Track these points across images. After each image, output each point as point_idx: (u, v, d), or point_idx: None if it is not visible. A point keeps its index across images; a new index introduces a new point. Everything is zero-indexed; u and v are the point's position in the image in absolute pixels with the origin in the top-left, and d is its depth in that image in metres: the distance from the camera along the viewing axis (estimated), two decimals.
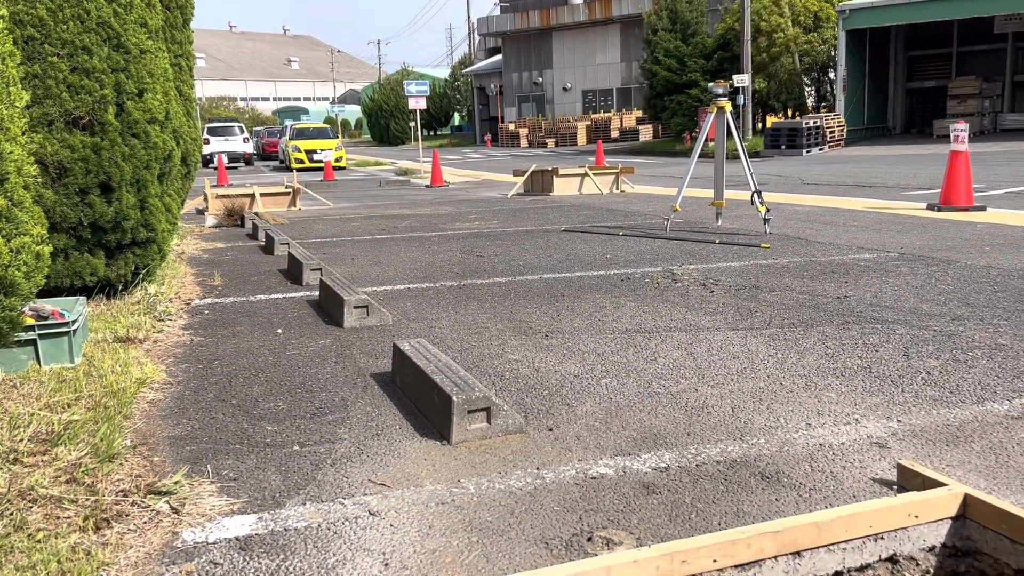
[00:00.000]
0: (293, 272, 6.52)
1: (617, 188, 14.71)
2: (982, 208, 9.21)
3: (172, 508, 2.39)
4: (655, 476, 2.59)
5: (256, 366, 3.95)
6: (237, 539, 2.23)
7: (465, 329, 4.60)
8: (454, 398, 2.88)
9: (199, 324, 4.91)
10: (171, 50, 7.74)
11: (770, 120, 29.77)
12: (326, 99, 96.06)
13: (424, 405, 3.18)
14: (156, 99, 5.32)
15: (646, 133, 36.52)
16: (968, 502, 2.21)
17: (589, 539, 2.20)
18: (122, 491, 2.47)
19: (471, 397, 2.91)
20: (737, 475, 2.57)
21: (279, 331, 4.67)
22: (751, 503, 2.39)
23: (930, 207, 9.59)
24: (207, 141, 30.76)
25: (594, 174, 14.79)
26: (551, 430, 3.01)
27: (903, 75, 30.70)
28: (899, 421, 2.97)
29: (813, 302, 4.99)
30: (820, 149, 23.87)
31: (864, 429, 2.91)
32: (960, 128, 9.13)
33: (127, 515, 2.34)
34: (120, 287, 5.30)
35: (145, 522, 2.31)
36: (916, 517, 2.19)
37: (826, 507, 2.31)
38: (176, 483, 2.53)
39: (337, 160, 27.18)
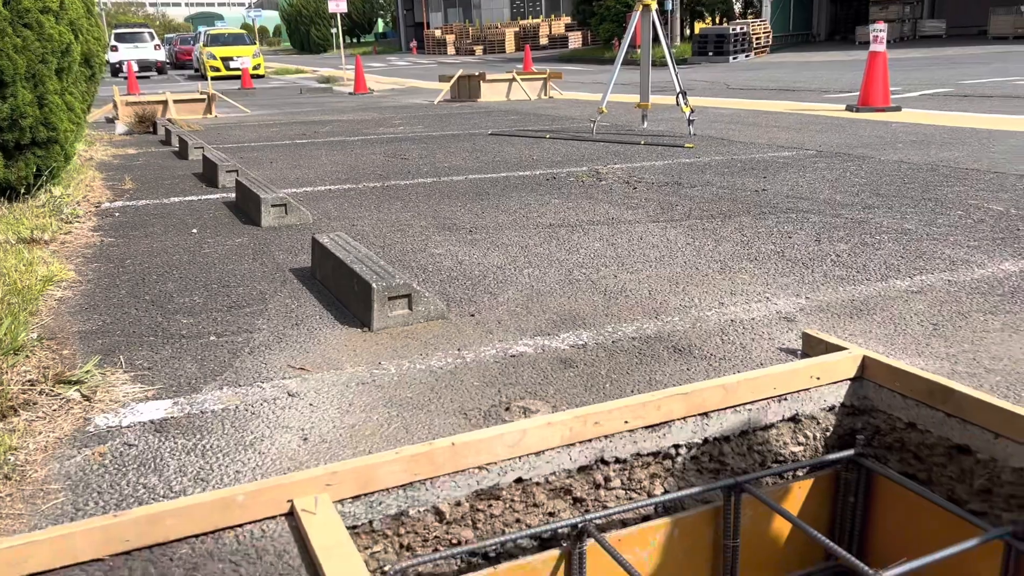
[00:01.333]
0: (208, 175, 6.30)
1: (545, 94, 14.53)
2: (898, 108, 9.44)
3: (83, 396, 2.33)
4: (573, 353, 2.64)
5: (170, 264, 3.84)
6: (152, 422, 2.20)
7: (388, 227, 4.55)
8: (374, 285, 2.86)
9: (109, 226, 4.73)
10: None
11: (698, 27, 29.61)
12: (242, 5, 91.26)
13: (344, 295, 3.16)
14: None
15: (575, 40, 35.98)
16: (866, 363, 2.33)
17: (507, 409, 2.25)
18: (29, 381, 2.39)
19: (391, 284, 2.89)
20: (651, 349, 2.64)
21: (194, 231, 4.54)
22: (664, 373, 2.46)
23: (849, 108, 9.77)
24: (114, 48, 29.06)
25: (522, 80, 14.56)
26: (473, 316, 3.03)
27: None
28: (807, 298, 3.08)
29: (732, 196, 5.08)
30: (746, 55, 23.94)
31: (774, 306, 3.01)
32: (879, 28, 9.24)
33: (35, 404, 2.28)
34: (22, 190, 5.04)
35: (55, 410, 2.26)
36: (817, 379, 2.29)
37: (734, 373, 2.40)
38: (87, 372, 2.47)
39: (255, 68, 26.08)
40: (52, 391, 2.35)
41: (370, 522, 1.84)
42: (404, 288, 2.91)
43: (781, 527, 2.29)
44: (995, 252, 3.59)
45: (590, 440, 2.05)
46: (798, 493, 2.32)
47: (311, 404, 2.30)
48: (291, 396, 2.36)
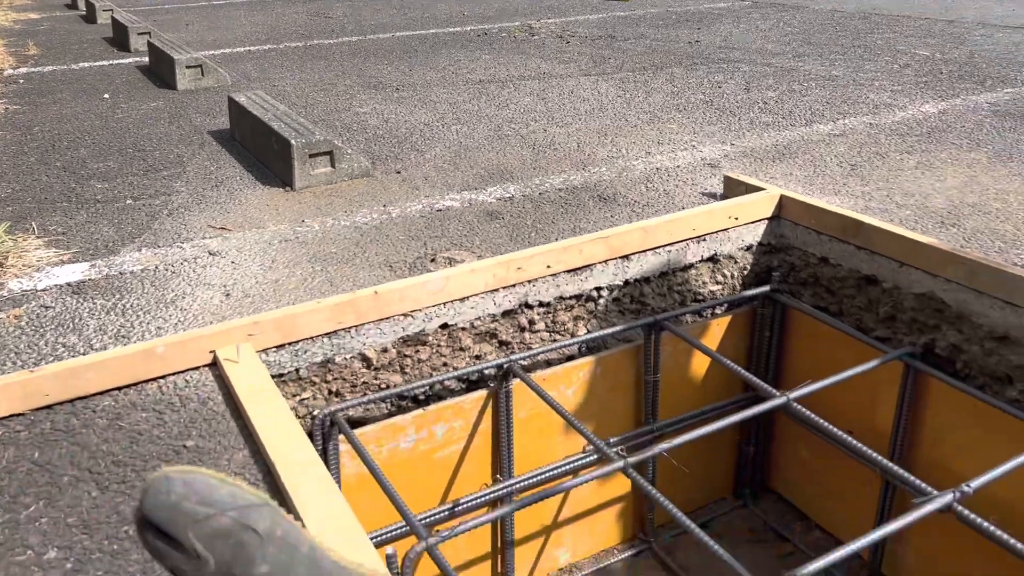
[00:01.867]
0: (119, 39, 5.93)
1: None
2: None
3: None
4: (499, 205, 2.63)
5: (82, 130, 3.66)
6: (69, 284, 2.16)
7: (311, 87, 4.38)
8: (293, 142, 2.77)
9: (14, 93, 4.45)
10: None
11: None
12: None
13: (265, 155, 3.07)
14: None
15: None
16: (783, 203, 2.38)
17: (432, 260, 2.25)
18: None
19: (311, 140, 2.81)
20: (577, 199, 2.65)
21: (106, 96, 4.31)
22: (588, 220, 2.48)
23: None
24: None
25: None
26: (399, 173, 2.99)
27: None
28: (732, 144, 3.10)
29: (665, 48, 4.99)
30: None
31: (699, 153, 3.02)
32: None
33: None
34: None
35: None
36: (736, 219, 2.34)
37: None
38: None
39: None
40: None
41: (296, 370, 1.87)
42: (325, 144, 2.83)
43: (700, 362, 2.40)
44: (917, 95, 3.64)
45: (514, 285, 2.08)
46: (716, 330, 2.41)
47: (233, 262, 2.27)
48: (212, 255, 2.32)
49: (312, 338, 1.85)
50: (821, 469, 2.43)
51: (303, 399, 1.91)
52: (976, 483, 1.56)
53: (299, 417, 1.91)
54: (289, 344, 1.83)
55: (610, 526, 2.47)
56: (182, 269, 2.24)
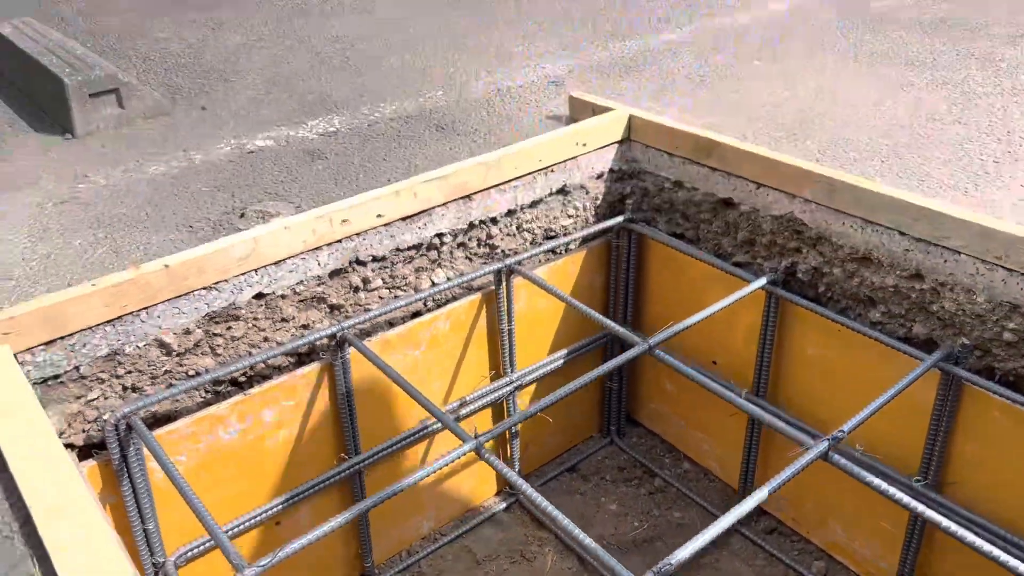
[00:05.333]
0: None
1: None
2: None
3: None
4: (322, 143, 2.31)
5: None
6: None
7: (96, 8, 3.79)
8: (67, 80, 2.32)
9: None
10: None
11: None
12: None
13: (39, 96, 2.58)
14: None
15: None
16: (633, 124, 2.19)
17: (242, 215, 1.93)
18: None
19: (91, 77, 2.37)
20: (411, 130, 2.37)
21: None
22: (424, 156, 2.21)
23: None
24: None
25: None
26: (204, 108, 2.59)
27: None
28: (578, 60, 2.87)
29: None
30: None
31: (543, 71, 2.78)
32: None
33: None
34: None
35: None
36: (584, 145, 2.13)
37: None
38: None
39: None
40: None
41: (76, 368, 1.54)
42: (108, 81, 2.39)
43: (557, 304, 2.22)
44: None
45: (340, 240, 1.80)
46: (572, 267, 2.23)
47: None
48: None
49: (91, 328, 1.52)
50: (687, 402, 2.34)
51: (91, 400, 1.58)
52: (848, 426, 1.46)
53: (88, 422, 1.59)
54: (61, 339, 1.49)
55: (473, 486, 2.30)
56: None
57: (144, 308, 1.57)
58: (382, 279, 1.92)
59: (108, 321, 1.53)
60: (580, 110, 2.32)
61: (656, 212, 2.22)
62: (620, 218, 2.20)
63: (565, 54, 2.93)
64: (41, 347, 1.48)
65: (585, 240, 2.24)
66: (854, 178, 1.77)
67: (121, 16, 3.65)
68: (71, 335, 1.51)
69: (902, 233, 1.69)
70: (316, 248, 1.76)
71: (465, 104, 2.53)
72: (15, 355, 1.44)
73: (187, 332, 1.64)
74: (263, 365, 1.77)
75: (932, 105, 2.33)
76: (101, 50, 3.13)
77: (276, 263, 1.72)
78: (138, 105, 2.46)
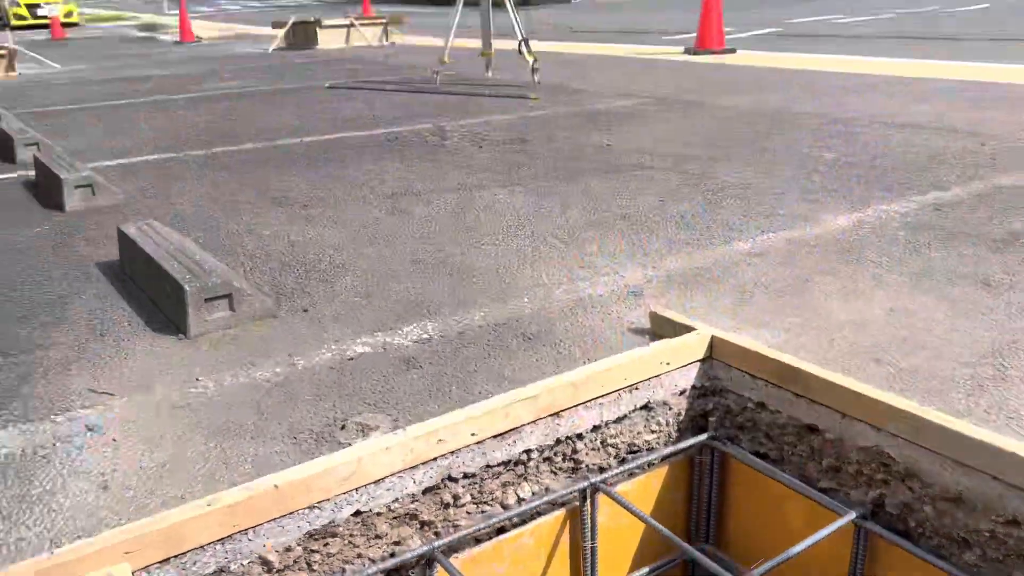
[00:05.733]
0: (3, 149, 5.58)
1: (386, 39, 13.98)
2: (732, 50, 9.66)
3: None
4: (417, 350, 2.45)
5: None
6: None
7: (212, 203, 4.15)
8: (186, 287, 2.54)
9: None
10: None
11: None
12: None
13: (158, 296, 2.81)
14: None
15: None
16: (714, 344, 2.27)
17: (343, 427, 2.04)
18: None
19: (208, 284, 2.58)
20: (500, 339, 2.49)
21: None
22: (513, 367, 2.32)
23: (687, 51, 9.92)
24: None
25: (361, 25, 13.93)
26: (306, 311, 2.78)
27: None
28: (654, 268, 3.01)
29: (578, 153, 4.98)
30: None
31: (622, 279, 2.92)
32: None
33: None
34: None
35: None
36: (667, 364, 2.22)
37: (584, 362, 2.29)
38: None
39: (67, 15, 23.73)
40: None
41: None
42: (224, 287, 2.61)
43: (639, 522, 2.23)
44: (831, 205, 3.66)
45: (435, 459, 1.88)
46: (654, 483, 2.26)
47: (114, 440, 2.00)
48: (90, 431, 2.05)
49: (203, 546, 1.60)
50: None
51: None
52: None
53: None
54: (175, 557, 1.58)
55: None
56: (55, 453, 1.96)
57: (252, 527, 1.65)
58: (471, 495, 1.98)
59: (220, 540, 1.62)
60: (662, 326, 2.42)
61: (739, 430, 2.26)
62: (703, 436, 2.24)
63: (642, 262, 3.08)
64: (156, 565, 1.56)
65: (668, 456, 2.28)
66: (941, 416, 1.80)
67: (231, 212, 3.98)
68: (184, 554, 1.59)
69: (995, 478, 1.69)
70: (413, 467, 1.84)
71: (549, 313, 2.67)
72: (132, 573, 1.52)
73: (288, 549, 1.71)
74: None
75: (1014, 334, 2.36)
76: (214, 247, 3.41)
77: (376, 482, 1.80)
78: (247, 309, 2.66)
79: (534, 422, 2.02)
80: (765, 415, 2.19)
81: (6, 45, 11.44)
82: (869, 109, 5.93)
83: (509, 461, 2.01)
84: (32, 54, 12.40)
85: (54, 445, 1.99)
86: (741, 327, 2.50)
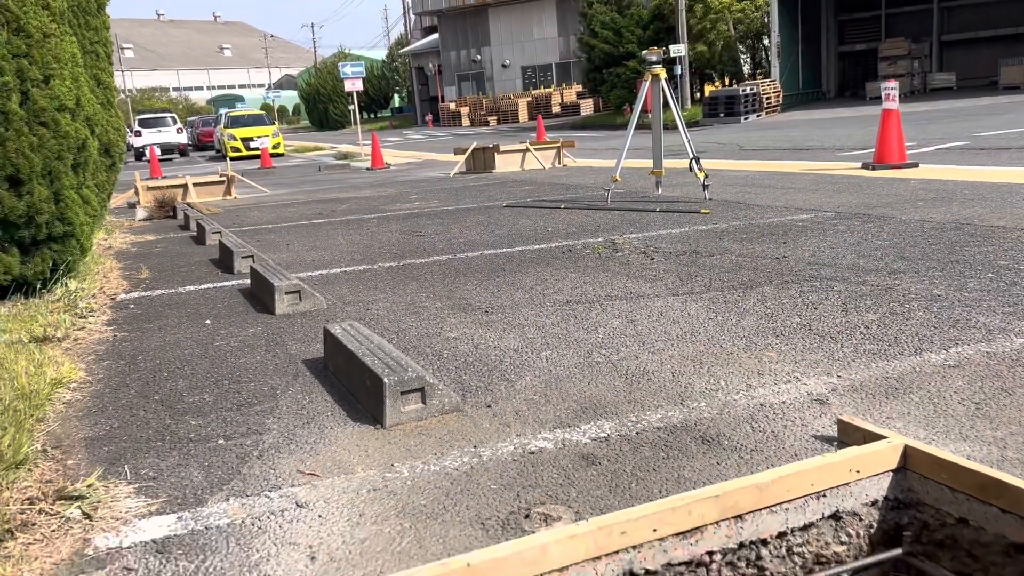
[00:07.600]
0: (224, 261, 6.30)
1: (559, 162, 14.63)
2: (915, 165, 9.35)
3: (84, 514, 2.23)
4: (595, 447, 2.51)
5: (182, 359, 3.77)
6: (154, 541, 2.09)
7: (402, 309, 4.48)
8: (385, 380, 2.76)
9: (123, 319, 4.69)
10: (85, 36, 7.40)
11: (708, 89, 29.96)
12: (262, 86, 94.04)
13: (357, 389, 3.06)
14: (64, 85, 5.04)
15: (587, 107, 36.52)
16: (908, 453, 2.18)
17: (527, 516, 2.12)
18: (29, 499, 2.30)
19: (404, 378, 2.80)
20: (678, 441, 2.51)
21: (207, 322, 4.49)
22: (692, 468, 2.33)
23: (865, 166, 9.71)
24: (139, 134, 29.88)
25: (535, 149, 14.69)
26: (489, 407, 2.92)
27: (835, 39, 31.19)
28: (839, 376, 2.94)
29: (752, 264, 4.97)
30: (757, 115, 24.12)
31: (804, 387, 2.87)
32: (891, 86, 9.24)
33: (33, 524, 2.18)
34: (38, 285, 5.03)
35: (53, 530, 2.16)
36: (857, 472, 2.15)
37: (768, 468, 2.26)
38: (89, 486, 2.37)
39: (275, 147, 26.63)
40: (52, 509, 2.25)
41: None
42: (417, 382, 2.81)
43: None
44: None
45: (617, 552, 1.91)
46: None
47: (320, 516, 2.18)
48: (300, 507, 2.24)
49: None
50: None
51: None
52: None
53: None
54: None
55: None
56: (268, 524, 2.16)
57: None
58: None
59: None
60: (850, 434, 2.36)
61: (938, 547, 2.13)
62: (898, 551, 2.13)
63: (826, 371, 3.01)
64: None
65: (859, 570, 2.17)
66: None
67: (419, 317, 4.28)
68: None
69: None
70: (596, 557, 1.88)
71: (728, 417, 2.66)
72: None
73: None
74: None
75: None
76: (405, 347, 3.67)
77: (559, 570, 1.85)
78: (436, 403, 2.84)
79: (716, 523, 2.01)
80: (967, 532, 2.05)
81: (226, 173, 12.99)
82: None
83: (691, 562, 2.00)
84: (246, 180, 13.99)
85: (269, 517, 2.20)
86: (936, 439, 2.39)
